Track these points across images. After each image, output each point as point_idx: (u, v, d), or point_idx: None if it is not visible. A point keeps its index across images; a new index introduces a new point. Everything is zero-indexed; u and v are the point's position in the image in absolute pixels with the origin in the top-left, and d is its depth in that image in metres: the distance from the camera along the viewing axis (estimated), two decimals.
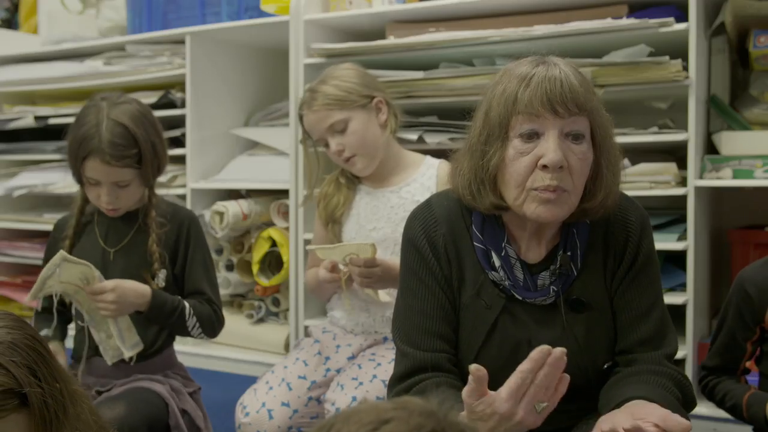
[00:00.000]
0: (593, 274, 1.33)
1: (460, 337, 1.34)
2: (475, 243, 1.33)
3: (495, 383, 1.24)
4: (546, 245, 1.33)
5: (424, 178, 1.93)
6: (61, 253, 1.63)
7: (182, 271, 1.81)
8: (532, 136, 1.23)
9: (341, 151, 1.89)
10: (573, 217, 1.29)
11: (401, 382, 1.32)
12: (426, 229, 1.35)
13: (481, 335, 1.32)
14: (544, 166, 1.22)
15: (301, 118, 1.96)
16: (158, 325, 1.77)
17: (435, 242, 1.34)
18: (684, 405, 1.28)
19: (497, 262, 1.32)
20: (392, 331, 1.39)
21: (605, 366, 1.35)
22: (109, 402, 1.62)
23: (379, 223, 1.90)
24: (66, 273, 1.63)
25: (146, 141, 1.68)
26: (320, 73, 2.56)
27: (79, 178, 1.72)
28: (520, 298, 1.31)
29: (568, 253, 1.32)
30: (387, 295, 1.87)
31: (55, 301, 1.67)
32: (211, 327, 1.81)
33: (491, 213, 1.31)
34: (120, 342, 1.71)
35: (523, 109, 1.22)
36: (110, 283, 1.66)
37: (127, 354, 1.71)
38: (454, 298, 1.34)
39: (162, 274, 1.76)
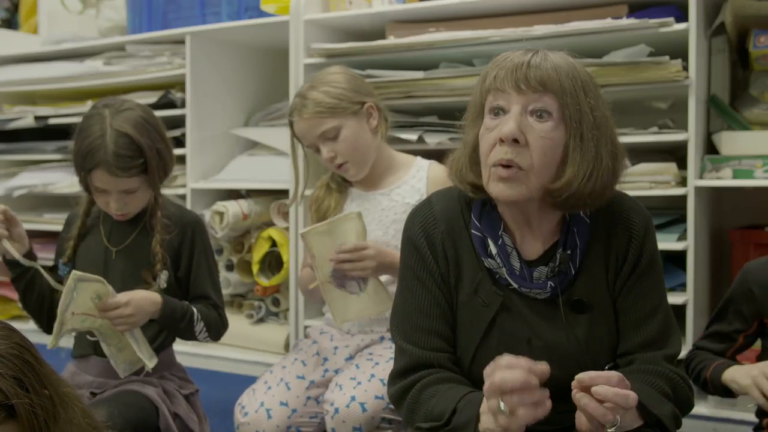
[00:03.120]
0: (595, 275, 1.33)
1: (459, 336, 1.34)
2: (472, 231, 1.34)
3: None
4: (543, 241, 1.33)
5: (414, 180, 1.93)
6: (74, 274, 1.60)
7: (186, 275, 1.81)
8: (499, 113, 1.26)
9: (333, 158, 1.89)
10: (557, 205, 1.27)
11: (401, 378, 1.33)
12: (425, 227, 1.36)
13: (478, 333, 1.32)
14: (501, 141, 1.23)
15: (291, 124, 1.95)
16: (169, 331, 1.77)
17: (433, 240, 1.35)
18: (677, 404, 1.27)
19: (494, 250, 1.32)
20: (391, 327, 1.40)
21: (606, 367, 1.35)
22: (92, 406, 1.60)
23: (370, 226, 1.90)
24: (82, 294, 1.61)
25: (151, 148, 1.68)
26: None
27: (87, 187, 1.73)
28: (516, 286, 1.31)
29: (568, 252, 1.31)
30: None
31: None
32: (217, 331, 1.82)
33: (476, 195, 1.33)
34: (140, 354, 1.69)
35: (491, 85, 1.26)
36: (124, 297, 1.65)
37: (150, 365, 1.70)
38: (451, 296, 1.34)
39: (164, 275, 1.75)
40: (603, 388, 1.13)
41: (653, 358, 1.31)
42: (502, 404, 1.11)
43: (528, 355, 1.30)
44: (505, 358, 1.13)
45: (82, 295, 1.61)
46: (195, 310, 1.76)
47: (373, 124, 1.92)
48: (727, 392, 1.44)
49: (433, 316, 1.33)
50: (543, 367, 1.13)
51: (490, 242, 1.32)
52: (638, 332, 1.32)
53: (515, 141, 1.22)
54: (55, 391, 0.98)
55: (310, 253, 1.80)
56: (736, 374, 1.41)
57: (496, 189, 1.25)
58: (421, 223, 1.36)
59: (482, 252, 1.33)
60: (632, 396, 1.14)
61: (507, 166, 1.23)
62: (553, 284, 1.31)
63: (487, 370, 1.15)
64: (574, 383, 1.16)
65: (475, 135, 1.29)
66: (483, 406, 1.18)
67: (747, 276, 1.47)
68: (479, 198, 1.33)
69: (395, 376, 1.35)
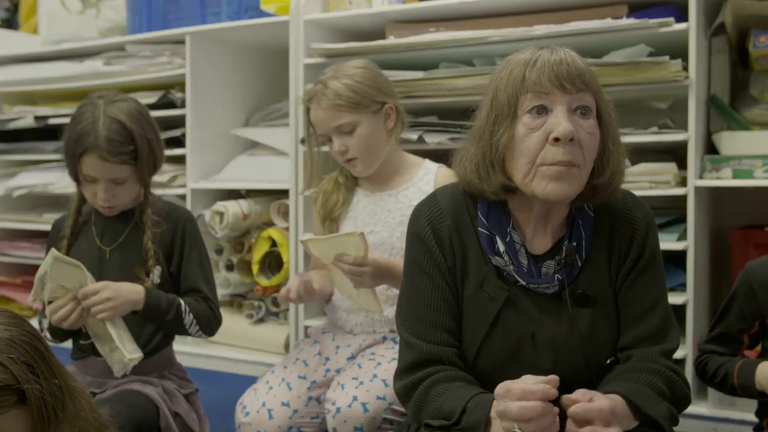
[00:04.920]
0: (598, 270, 1.34)
1: (464, 330, 1.34)
2: (479, 229, 1.34)
3: (498, 376, 1.25)
4: (552, 236, 1.34)
5: (422, 183, 1.93)
6: (53, 252, 1.62)
7: (178, 270, 1.80)
8: (541, 112, 1.25)
9: (344, 151, 1.88)
10: (582, 198, 1.31)
11: (409, 373, 1.33)
12: (431, 221, 1.36)
13: (484, 327, 1.32)
14: (556, 139, 1.23)
15: (307, 109, 1.92)
16: (155, 324, 1.77)
17: (440, 234, 1.35)
18: (674, 401, 1.28)
19: (501, 248, 1.32)
20: (396, 321, 1.39)
21: (608, 361, 1.35)
22: None
23: (376, 226, 1.90)
24: (59, 274, 1.62)
25: (143, 138, 1.69)
26: (320, 73, 2.57)
27: (76, 176, 1.72)
28: (524, 283, 1.32)
29: (574, 243, 1.32)
30: (387, 306, 1.88)
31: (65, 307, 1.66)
32: (209, 325, 1.80)
33: (498, 197, 1.32)
34: (122, 346, 1.69)
35: (532, 87, 1.25)
36: (100, 284, 1.65)
37: (128, 357, 1.70)
38: (458, 290, 1.35)
39: (157, 271, 1.75)
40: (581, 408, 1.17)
41: (651, 354, 1.32)
42: (517, 427, 1.14)
43: (532, 351, 1.31)
44: (520, 386, 1.16)
45: (59, 274, 1.62)
46: (183, 302, 1.74)
47: (390, 126, 1.91)
48: (762, 394, 1.43)
49: (440, 310, 1.34)
50: (553, 391, 1.16)
51: (498, 240, 1.32)
52: (638, 326, 1.33)
53: (570, 140, 1.23)
54: (65, 382, 0.99)
55: (311, 253, 1.82)
56: (761, 377, 1.41)
57: (547, 188, 1.25)
58: (428, 218, 1.37)
59: (489, 250, 1.33)
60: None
61: (566, 165, 1.24)
62: (560, 277, 1.31)
63: (500, 391, 1.18)
64: (566, 403, 1.19)
65: (508, 136, 1.27)
66: (493, 411, 1.19)
67: (748, 275, 1.48)
68: (500, 199, 1.33)
69: (402, 372, 1.34)
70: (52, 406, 0.95)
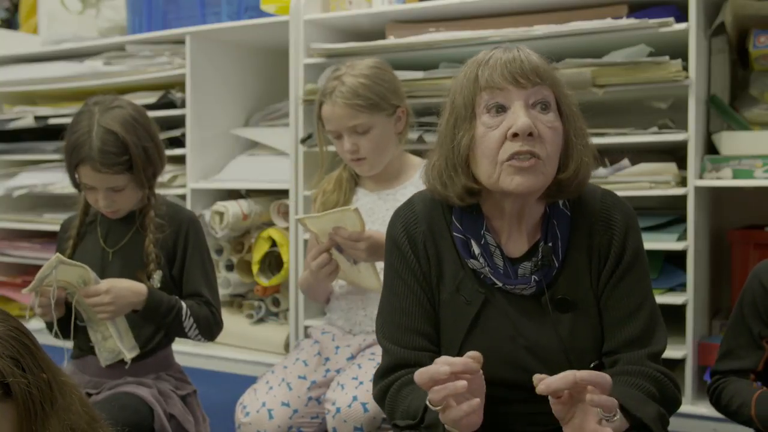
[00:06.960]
0: (578, 273, 1.32)
1: (442, 334, 1.35)
2: (454, 233, 1.33)
3: None
4: (527, 238, 1.33)
5: (420, 182, 1.93)
6: (57, 256, 1.62)
7: (180, 273, 1.79)
8: (499, 110, 1.25)
9: (355, 150, 1.87)
10: (550, 194, 1.29)
11: (383, 377, 1.34)
12: (406, 227, 1.36)
13: (461, 331, 1.32)
14: (515, 135, 1.22)
15: (320, 104, 1.89)
16: (154, 325, 1.76)
17: (415, 240, 1.35)
18: (664, 404, 1.26)
19: (477, 250, 1.31)
20: (375, 327, 1.40)
21: (591, 366, 1.34)
22: None
23: (374, 225, 1.90)
24: (62, 275, 1.63)
25: (137, 147, 1.68)
26: (320, 73, 2.58)
27: (76, 183, 1.73)
28: (501, 284, 1.31)
29: (549, 244, 1.31)
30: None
31: (53, 300, 1.65)
32: (209, 329, 1.79)
33: (463, 202, 1.31)
34: (120, 344, 1.70)
35: (485, 84, 1.25)
36: (104, 285, 1.65)
37: (128, 356, 1.70)
38: (433, 295, 1.35)
39: (157, 275, 1.75)
40: (581, 373, 1.12)
41: (637, 358, 1.29)
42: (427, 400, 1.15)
43: (512, 353, 1.30)
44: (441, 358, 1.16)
45: (62, 275, 1.63)
46: (184, 305, 1.74)
47: (400, 128, 1.91)
48: None
49: (415, 315, 1.34)
50: (472, 364, 1.14)
51: (473, 243, 1.32)
52: (622, 330, 1.31)
53: (529, 134, 1.22)
54: (54, 377, 0.99)
55: (309, 231, 1.82)
56: None
57: (513, 183, 1.24)
58: (403, 223, 1.37)
59: (465, 254, 1.32)
60: (606, 376, 1.14)
61: (528, 157, 1.23)
62: (537, 278, 1.30)
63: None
64: (547, 387, 1.13)
65: (469, 137, 1.26)
66: None
67: (759, 276, 1.42)
68: (467, 204, 1.32)
69: (377, 376, 1.36)
70: (40, 400, 0.96)
